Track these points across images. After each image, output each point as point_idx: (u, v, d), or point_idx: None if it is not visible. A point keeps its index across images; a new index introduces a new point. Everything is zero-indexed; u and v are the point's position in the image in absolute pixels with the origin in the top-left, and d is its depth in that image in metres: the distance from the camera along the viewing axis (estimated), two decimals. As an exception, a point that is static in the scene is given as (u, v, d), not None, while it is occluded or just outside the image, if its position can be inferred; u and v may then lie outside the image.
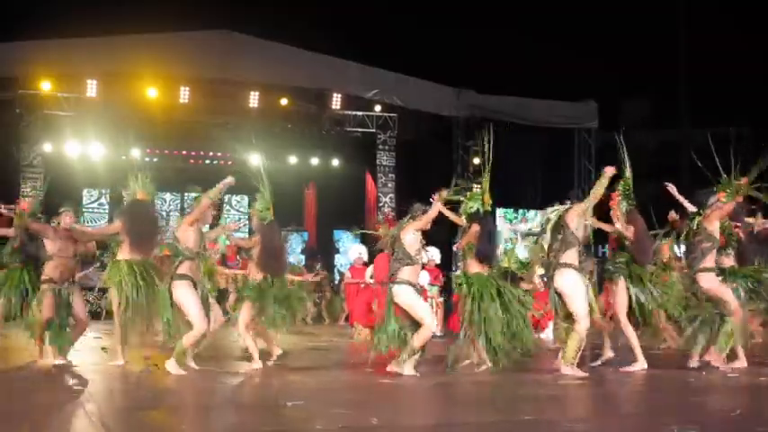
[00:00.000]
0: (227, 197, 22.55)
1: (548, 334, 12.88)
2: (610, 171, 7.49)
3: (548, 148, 20.20)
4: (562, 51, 20.95)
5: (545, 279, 8.28)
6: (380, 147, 19.79)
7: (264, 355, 8.33)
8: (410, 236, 7.34)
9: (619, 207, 7.84)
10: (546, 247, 7.50)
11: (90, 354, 9.18)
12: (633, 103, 24.94)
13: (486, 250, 7.74)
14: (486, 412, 5.57)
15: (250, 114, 18.68)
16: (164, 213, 21.32)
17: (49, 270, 7.86)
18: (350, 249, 15.32)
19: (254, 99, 18.26)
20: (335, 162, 20.25)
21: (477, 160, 20.16)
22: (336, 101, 18.90)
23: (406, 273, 7.25)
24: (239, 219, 22.84)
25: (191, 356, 7.68)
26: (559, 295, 7.36)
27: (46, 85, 17.11)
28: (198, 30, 17.76)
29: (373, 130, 19.68)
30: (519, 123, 19.63)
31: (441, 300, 13.70)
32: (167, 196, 21.90)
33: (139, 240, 7.81)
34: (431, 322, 7.19)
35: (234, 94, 18.21)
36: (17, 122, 17.55)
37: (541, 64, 20.47)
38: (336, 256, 21.33)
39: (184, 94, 17.70)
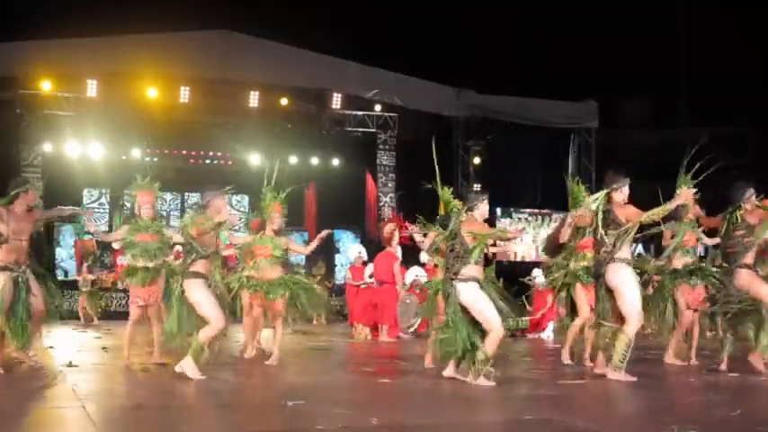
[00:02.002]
0: (226, 197, 22.54)
1: (548, 334, 12.90)
2: (685, 195, 7.11)
3: (548, 148, 20.21)
4: (562, 51, 20.98)
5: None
6: (381, 146, 19.80)
7: (264, 355, 8.33)
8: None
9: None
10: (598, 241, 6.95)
11: (90, 354, 9.19)
12: (633, 103, 24.96)
13: None
14: (487, 412, 5.57)
15: (250, 114, 18.69)
16: (164, 213, 21.32)
17: (3, 255, 7.11)
18: (349, 249, 15.33)
19: (254, 99, 18.27)
20: (336, 162, 20.25)
21: (477, 160, 20.19)
22: (336, 101, 18.91)
23: (472, 269, 6.62)
24: (240, 219, 22.87)
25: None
26: (609, 293, 6.92)
27: (46, 85, 17.11)
28: (198, 30, 17.77)
29: (373, 130, 19.69)
30: (519, 123, 19.64)
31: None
32: (167, 196, 21.89)
33: None
34: (499, 323, 6.53)
35: (234, 94, 18.21)
36: (17, 122, 17.55)
37: (541, 64, 20.49)
38: (336, 256, 21.33)
39: (184, 94, 17.71)
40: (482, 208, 6.81)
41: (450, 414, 5.43)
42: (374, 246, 15.19)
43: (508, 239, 7.85)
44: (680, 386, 6.83)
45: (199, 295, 6.72)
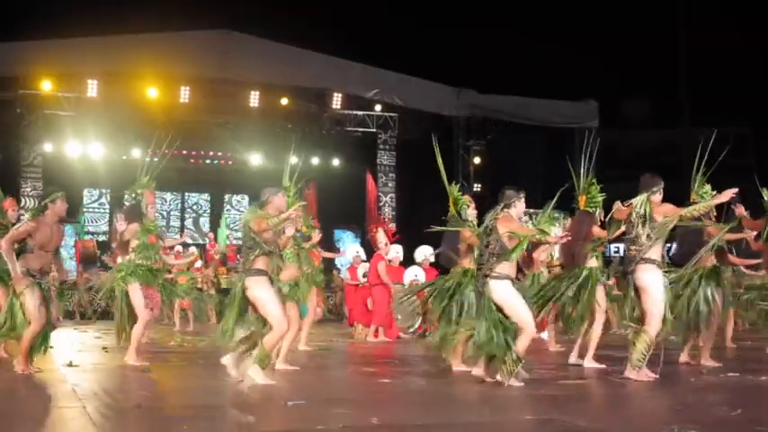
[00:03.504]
0: (227, 197, 22.59)
1: (548, 334, 12.87)
2: (727, 194, 6.87)
3: (548, 147, 20.21)
4: (562, 51, 20.97)
5: (619, 275, 7.68)
6: (381, 146, 19.81)
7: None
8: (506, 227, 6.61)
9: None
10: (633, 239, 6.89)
11: (90, 354, 9.19)
12: (633, 103, 24.95)
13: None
14: (486, 412, 5.57)
15: (250, 114, 18.70)
16: (164, 213, 21.33)
17: (29, 263, 7.06)
18: (348, 249, 15.33)
19: (254, 99, 18.28)
20: (336, 162, 20.25)
21: (477, 160, 20.19)
22: (337, 100, 18.91)
23: (506, 267, 6.51)
24: (240, 218, 22.87)
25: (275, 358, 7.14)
26: (636, 292, 6.89)
27: (46, 85, 17.13)
28: (198, 30, 17.78)
29: (374, 130, 19.70)
30: (519, 123, 19.64)
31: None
32: (167, 196, 21.90)
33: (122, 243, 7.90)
34: (531, 322, 6.45)
35: (234, 94, 18.23)
36: (17, 122, 17.56)
37: (541, 64, 20.47)
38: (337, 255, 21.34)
39: (185, 94, 17.72)
40: (519, 206, 6.72)
41: (450, 414, 5.43)
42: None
43: (548, 243, 7.73)
44: (680, 386, 6.83)
45: (262, 293, 6.42)
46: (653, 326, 6.71)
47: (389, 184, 19.62)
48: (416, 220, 15.91)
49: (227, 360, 6.49)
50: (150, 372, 7.42)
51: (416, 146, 19.92)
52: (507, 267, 6.51)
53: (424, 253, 12.75)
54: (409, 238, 14.22)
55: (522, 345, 6.40)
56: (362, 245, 16.19)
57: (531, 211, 8.40)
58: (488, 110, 19.73)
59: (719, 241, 7.71)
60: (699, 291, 7.79)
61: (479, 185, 19.88)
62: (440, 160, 7.63)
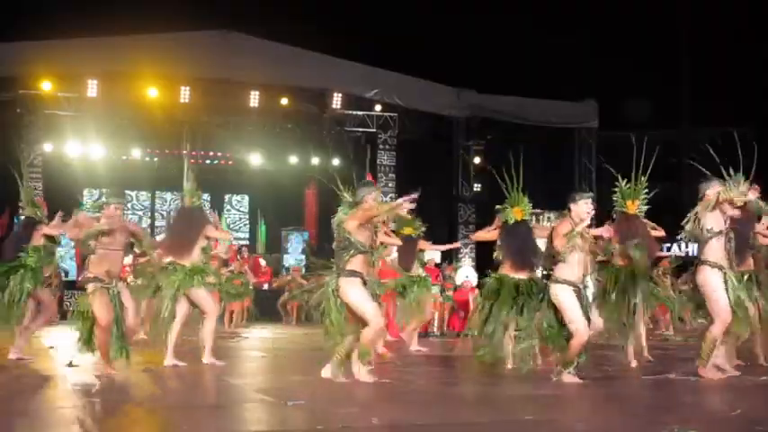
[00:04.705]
0: (227, 197, 22.60)
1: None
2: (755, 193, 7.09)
3: (548, 147, 20.22)
4: (562, 51, 20.95)
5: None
6: (381, 146, 19.80)
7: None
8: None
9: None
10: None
11: (90, 354, 9.17)
12: (633, 103, 24.94)
13: (519, 256, 7.66)
14: (486, 412, 5.57)
15: (250, 114, 18.71)
16: (164, 213, 21.34)
17: (93, 266, 7.17)
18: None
19: (254, 99, 18.28)
20: (336, 162, 20.25)
21: (477, 160, 20.19)
22: (337, 100, 18.91)
23: (565, 271, 6.63)
24: (240, 218, 22.88)
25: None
26: (697, 292, 7.06)
27: (46, 85, 17.12)
28: (198, 30, 17.78)
29: (373, 130, 19.70)
30: (519, 123, 19.65)
31: (442, 300, 13.72)
32: (167, 196, 21.92)
33: (181, 245, 7.90)
34: (584, 329, 6.55)
35: (234, 94, 18.23)
36: (17, 122, 17.56)
37: (541, 64, 20.46)
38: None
39: (184, 94, 17.72)
40: (574, 209, 6.77)
41: (450, 414, 5.43)
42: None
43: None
44: (680, 386, 6.83)
45: (355, 295, 6.42)
46: (717, 326, 6.83)
47: (390, 185, 19.61)
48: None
49: (327, 372, 6.57)
50: (150, 372, 7.42)
51: (416, 146, 19.96)
52: (566, 272, 6.62)
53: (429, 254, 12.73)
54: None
55: (573, 348, 6.60)
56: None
57: (532, 211, 8.38)
58: (488, 110, 19.74)
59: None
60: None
61: (479, 185, 19.89)
62: (497, 170, 7.84)
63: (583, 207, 6.74)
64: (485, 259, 11.85)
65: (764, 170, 7.41)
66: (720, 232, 6.87)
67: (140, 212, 22.01)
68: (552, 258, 6.69)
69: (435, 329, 13.69)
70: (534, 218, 20.21)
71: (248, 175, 21.01)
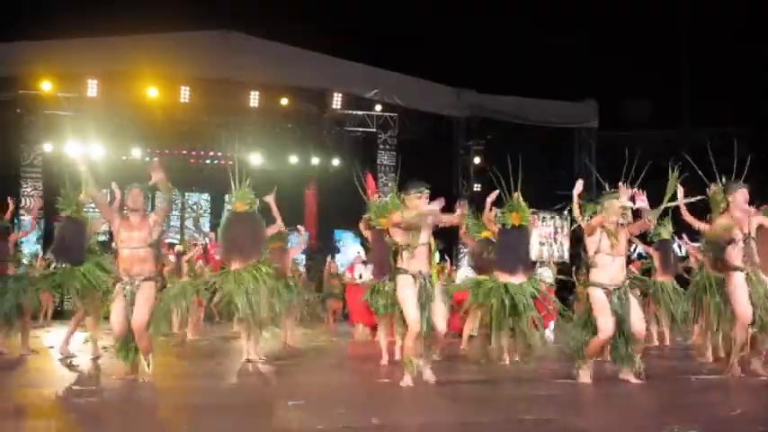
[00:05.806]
0: (227, 197, 22.53)
1: (548, 333, 12.88)
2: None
3: (548, 147, 20.22)
4: (562, 51, 20.94)
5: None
6: (381, 146, 19.80)
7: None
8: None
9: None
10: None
11: (90, 354, 9.17)
12: (633, 103, 24.94)
13: (508, 262, 7.74)
14: (486, 412, 5.57)
15: (250, 114, 18.71)
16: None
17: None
18: (348, 249, 15.34)
19: (254, 99, 18.28)
20: (336, 162, 20.25)
21: (477, 160, 20.19)
22: (337, 100, 18.91)
23: (600, 274, 6.70)
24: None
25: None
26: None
27: (46, 85, 17.12)
28: (198, 30, 17.77)
29: (374, 130, 19.70)
30: (519, 123, 19.65)
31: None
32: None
33: (243, 251, 8.05)
34: (608, 330, 6.62)
35: (234, 94, 18.23)
36: (17, 122, 17.56)
37: (541, 64, 20.46)
38: (337, 255, 21.33)
39: (184, 94, 17.73)
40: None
41: (450, 414, 5.43)
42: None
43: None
44: (680, 386, 6.83)
45: (403, 292, 6.54)
46: (738, 327, 7.07)
47: (389, 185, 19.60)
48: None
49: (430, 375, 6.68)
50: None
51: (416, 146, 19.95)
52: (599, 274, 6.65)
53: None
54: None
55: (593, 346, 6.73)
56: (363, 245, 16.19)
57: (532, 211, 8.37)
58: (488, 110, 19.73)
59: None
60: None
61: (479, 185, 19.89)
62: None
63: (612, 206, 6.79)
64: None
65: (766, 170, 7.42)
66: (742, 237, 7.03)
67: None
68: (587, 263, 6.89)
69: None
70: (538, 218, 20.31)
71: (248, 176, 20.96)
